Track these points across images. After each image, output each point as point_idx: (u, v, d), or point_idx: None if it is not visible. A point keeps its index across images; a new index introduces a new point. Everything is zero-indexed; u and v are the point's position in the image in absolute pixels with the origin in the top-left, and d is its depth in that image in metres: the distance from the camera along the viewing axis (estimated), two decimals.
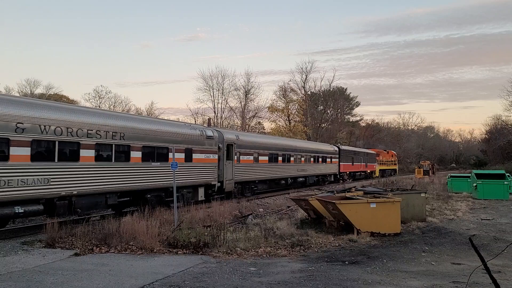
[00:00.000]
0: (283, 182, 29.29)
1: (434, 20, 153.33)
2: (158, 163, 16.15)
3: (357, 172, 48.96)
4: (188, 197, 17.95)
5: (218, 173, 20.32)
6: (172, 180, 14.27)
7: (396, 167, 70.00)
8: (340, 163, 42.12)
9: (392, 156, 67.52)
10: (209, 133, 20.00)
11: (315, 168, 35.46)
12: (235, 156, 19.68)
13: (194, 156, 18.38)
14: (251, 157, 24.16)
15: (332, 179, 40.26)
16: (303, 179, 33.05)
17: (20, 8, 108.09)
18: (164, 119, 20.74)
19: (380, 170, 58.87)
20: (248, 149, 23.88)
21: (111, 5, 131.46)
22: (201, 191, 19.02)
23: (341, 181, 41.76)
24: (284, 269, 8.23)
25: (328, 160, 38.91)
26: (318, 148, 37.55)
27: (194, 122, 51.03)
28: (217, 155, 20.29)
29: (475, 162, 76.74)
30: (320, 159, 36.55)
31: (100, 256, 9.28)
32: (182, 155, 17.51)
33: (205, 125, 43.87)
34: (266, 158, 26.27)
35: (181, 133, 17.74)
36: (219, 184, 20.45)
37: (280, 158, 28.53)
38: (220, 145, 20.55)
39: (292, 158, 30.51)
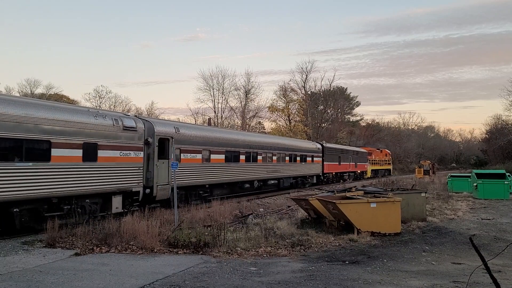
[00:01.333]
0: (247, 185, 24.51)
1: (433, 20, 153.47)
2: (30, 163, 11.59)
3: (345, 172, 44.33)
4: (93, 210, 13.72)
5: (145, 176, 15.88)
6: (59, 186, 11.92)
7: (390, 167, 66.64)
8: (325, 163, 37.47)
9: (386, 155, 63.90)
10: (129, 123, 15.26)
11: (292, 168, 30.91)
12: (172, 155, 15.32)
13: (101, 153, 13.83)
14: (199, 156, 19.51)
15: (315, 181, 35.76)
16: (276, 181, 28.55)
17: (20, 8, 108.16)
18: (47, 102, 14.80)
19: (372, 170, 55.42)
20: (194, 146, 19.16)
21: (111, 5, 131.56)
22: (116, 201, 14.59)
23: (325, 182, 37.79)
24: (285, 269, 8.24)
25: (309, 159, 34.18)
26: (296, 146, 32.59)
27: (194, 122, 51.04)
28: (142, 152, 15.73)
29: (476, 161, 76.75)
30: (298, 158, 31.97)
31: (100, 256, 9.28)
32: (78, 152, 12.99)
33: (205, 124, 43.36)
34: (222, 156, 21.61)
35: (75, 121, 12.99)
36: (147, 190, 15.92)
37: (242, 157, 23.80)
38: (149, 140, 16.03)
39: (259, 157, 25.82)
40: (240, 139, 24.22)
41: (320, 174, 36.72)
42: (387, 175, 60.66)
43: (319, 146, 37.28)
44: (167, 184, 16.90)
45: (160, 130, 16.89)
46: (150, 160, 16.21)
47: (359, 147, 58.06)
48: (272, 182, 28.07)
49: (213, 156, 20.87)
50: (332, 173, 40.14)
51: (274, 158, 28.06)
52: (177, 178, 14.77)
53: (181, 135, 18.30)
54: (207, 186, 20.51)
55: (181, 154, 18.23)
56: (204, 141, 20.20)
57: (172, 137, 17.38)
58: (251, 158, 24.84)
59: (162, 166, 16.73)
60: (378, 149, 62.36)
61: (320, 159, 36.78)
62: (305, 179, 33.85)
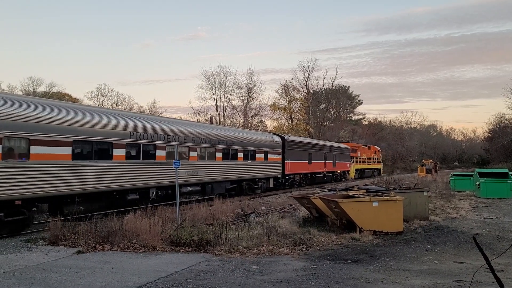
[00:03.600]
0: (132, 196, 15.68)
1: (434, 19, 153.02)
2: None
3: (318, 173, 35.66)
4: None
5: None
6: None
7: (380, 166, 58.68)
8: (287, 161, 29.11)
9: (375, 153, 55.95)
10: None
11: (229, 168, 21.93)
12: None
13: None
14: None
15: (271, 185, 27.30)
16: (197, 187, 19.48)
17: (22, 7, 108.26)
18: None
19: (356, 170, 47.77)
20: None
21: (112, 5, 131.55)
22: None
23: (288, 186, 30.08)
24: (287, 267, 8.23)
25: (260, 156, 25.33)
26: (236, 137, 22.99)
27: (196, 121, 51.08)
28: None
29: (478, 160, 76.71)
30: (240, 155, 23.10)
31: (102, 254, 9.30)
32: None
33: (207, 123, 43.22)
34: (68, 151, 12.82)
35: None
36: None
37: (118, 152, 14.82)
38: None
39: (160, 153, 16.92)
40: (110, 123, 14.56)
41: (279, 176, 28.16)
42: (377, 175, 53.97)
43: (277, 139, 28.37)
44: None
45: None
46: None
47: (340, 142, 49.97)
48: (190, 189, 18.92)
49: (51, 150, 12.33)
50: (298, 174, 31.79)
51: (194, 154, 19.19)
52: None
53: None
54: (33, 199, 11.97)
55: None
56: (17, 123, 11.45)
57: None
58: (142, 153, 16.01)
59: None
60: (365, 145, 54.85)
61: (279, 156, 28.13)
62: (254, 183, 25.07)
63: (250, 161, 24.31)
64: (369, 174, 52.46)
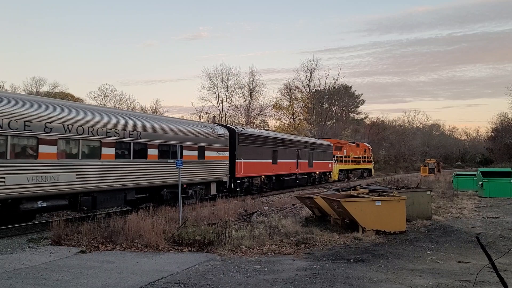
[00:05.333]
0: None
1: (436, 19, 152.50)
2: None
3: (287, 175, 28.96)
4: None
5: None
6: None
7: (371, 166, 52.46)
8: (238, 160, 22.39)
9: (364, 151, 49.69)
10: None
11: (129, 171, 15.13)
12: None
13: None
14: None
15: (212, 192, 20.19)
16: (59, 201, 12.51)
17: (24, 7, 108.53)
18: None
19: (341, 170, 41.59)
20: None
21: (113, 4, 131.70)
22: None
23: (240, 194, 22.49)
24: (289, 267, 8.23)
25: (192, 153, 18.62)
26: (144, 127, 16.00)
27: (198, 120, 51.13)
28: None
29: (481, 160, 76.45)
30: (153, 152, 16.37)
31: (105, 254, 9.33)
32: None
33: (209, 123, 42.48)
34: None
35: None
36: None
37: None
38: None
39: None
40: None
41: (226, 180, 21.31)
42: (367, 176, 49.30)
43: (221, 131, 21.35)
44: None
45: None
46: None
47: (321, 138, 43.33)
48: (41, 205, 11.92)
49: None
50: (258, 176, 25.06)
51: (47, 149, 12.14)
52: None
53: None
54: None
55: None
56: None
57: None
58: None
59: None
60: (353, 142, 48.06)
61: (226, 154, 21.39)
62: (184, 190, 17.81)
63: (172, 161, 16.15)
64: (357, 175, 46.77)
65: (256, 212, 15.70)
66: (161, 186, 16.79)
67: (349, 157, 44.23)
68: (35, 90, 61.70)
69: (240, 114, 61.02)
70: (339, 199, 11.93)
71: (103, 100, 59.30)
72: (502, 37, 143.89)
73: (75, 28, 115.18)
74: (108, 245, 10.02)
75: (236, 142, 22.47)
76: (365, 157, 49.25)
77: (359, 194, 13.57)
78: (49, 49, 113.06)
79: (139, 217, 11.23)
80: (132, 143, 15.24)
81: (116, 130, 14.54)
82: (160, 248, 9.75)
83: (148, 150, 16.09)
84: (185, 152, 17.50)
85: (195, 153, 18.99)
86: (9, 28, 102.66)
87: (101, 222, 12.29)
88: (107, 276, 7.37)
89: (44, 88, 63.78)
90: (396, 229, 11.78)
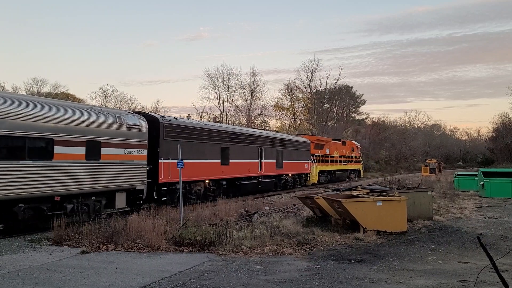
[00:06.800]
0: None
1: (436, 19, 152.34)
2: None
3: (247, 179, 23.50)
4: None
5: None
6: None
7: (360, 166, 47.05)
8: (162, 161, 16.90)
9: (352, 150, 44.40)
10: None
11: None
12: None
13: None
14: None
15: (119, 205, 14.81)
16: None
17: (24, 7, 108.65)
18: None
19: (322, 172, 35.83)
20: None
21: (114, 5, 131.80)
22: None
23: (165, 204, 16.90)
24: (290, 267, 8.23)
25: (75, 152, 12.87)
26: None
27: (199, 120, 51.09)
28: None
29: (482, 160, 76.43)
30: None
31: (106, 254, 9.33)
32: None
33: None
34: None
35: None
36: None
37: None
38: None
39: None
40: None
41: (142, 187, 15.52)
42: (355, 178, 44.30)
43: (134, 121, 15.46)
44: None
45: None
46: None
47: (299, 135, 37.91)
48: None
49: None
50: (200, 181, 19.59)
51: None
52: None
53: None
54: None
55: None
56: None
57: None
58: None
59: None
60: (338, 140, 42.77)
61: (143, 152, 15.67)
62: (59, 206, 12.50)
63: (31, 162, 11.53)
64: (343, 177, 41.04)
65: (257, 212, 15.70)
66: (12, 200, 11.21)
67: (333, 156, 38.81)
68: (36, 90, 61.81)
69: (241, 115, 61.13)
70: (340, 200, 11.92)
71: (104, 100, 59.39)
72: (502, 37, 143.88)
73: (75, 28, 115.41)
74: (109, 245, 10.02)
75: (161, 136, 16.79)
76: (352, 157, 44.23)
77: (360, 194, 13.57)
78: (49, 50, 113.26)
79: (140, 217, 11.24)
80: None
81: None
82: (161, 248, 9.75)
83: None
84: (61, 149, 12.46)
85: (81, 150, 13.13)
86: (10, 28, 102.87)
87: (102, 222, 12.30)
88: (108, 277, 7.37)
89: (45, 89, 63.92)
90: (397, 230, 11.77)
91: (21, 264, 8.26)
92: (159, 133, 16.87)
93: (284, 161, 28.35)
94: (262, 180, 25.54)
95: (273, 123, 66.33)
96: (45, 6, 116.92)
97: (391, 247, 10.16)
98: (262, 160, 25.36)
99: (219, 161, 20.99)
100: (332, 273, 7.68)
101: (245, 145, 23.64)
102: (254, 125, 58.04)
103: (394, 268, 8.16)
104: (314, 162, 34.05)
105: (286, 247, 10.06)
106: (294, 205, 18.66)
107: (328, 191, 19.38)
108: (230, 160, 21.90)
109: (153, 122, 16.82)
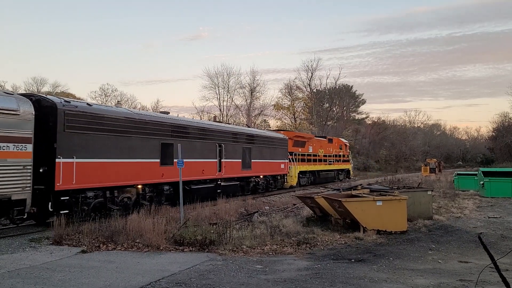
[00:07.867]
0: None
1: (435, 19, 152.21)
2: None
3: (201, 182, 19.27)
4: None
5: None
6: None
7: (349, 166, 42.37)
8: (61, 161, 12.20)
9: (340, 148, 40.09)
10: None
11: None
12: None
13: None
14: None
15: None
16: None
17: (24, 7, 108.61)
18: None
19: (303, 172, 31.53)
20: None
21: (114, 5, 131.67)
22: None
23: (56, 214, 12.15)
24: (290, 266, 8.23)
25: None
26: None
27: (199, 119, 51.10)
28: None
29: (482, 160, 76.44)
30: None
31: (107, 253, 9.33)
32: None
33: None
34: None
35: None
36: None
37: None
38: None
39: None
40: None
41: (22, 197, 11.15)
42: (344, 179, 40.33)
43: (5, 104, 10.91)
44: None
45: None
46: None
47: (275, 131, 33.23)
48: None
49: None
50: (131, 186, 15.35)
51: None
52: None
53: None
54: None
55: None
56: None
57: None
58: None
59: None
60: (323, 137, 38.51)
61: (25, 148, 11.38)
62: None
63: None
64: (329, 177, 36.69)
65: (257, 212, 15.70)
66: None
67: (317, 155, 34.31)
68: (36, 90, 61.78)
69: (241, 114, 61.10)
70: (340, 199, 11.92)
71: (104, 99, 59.34)
72: (502, 37, 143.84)
73: (75, 28, 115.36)
74: (109, 245, 10.02)
75: (59, 126, 12.45)
76: (340, 156, 39.72)
77: (360, 194, 13.56)
78: (50, 49, 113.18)
79: (140, 217, 11.25)
80: None
81: None
82: (161, 248, 9.75)
83: None
84: None
85: None
86: (10, 28, 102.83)
87: (102, 222, 12.30)
88: (108, 276, 7.37)
89: (45, 88, 63.75)
90: (397, 229, 11.77)
91: (21, 264, 8.26)
92: (57, 122, 12.40)
93: (253, 160, 23.81)
94: (223, 184, 21.05)
95: (273, 123, 66.38)
96: (45, 6, 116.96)
97: (391, 247, 10.16)
98: (222, 160, 20.84)
99: (158, 160, 16.45)
100: (332, 273, 7.69)
101: (197, 141, 19.03)
102: (255, 125, 58.06)
103: (394, 268, 8.16)
104: (293, 161, 29.72)
105: (286, 246, 10.06)
106: (294, 204, 18.66)
107: (328, 190, 19.40)
108: (175, 160, 16.01)
109: (48, 108, 12.48)
